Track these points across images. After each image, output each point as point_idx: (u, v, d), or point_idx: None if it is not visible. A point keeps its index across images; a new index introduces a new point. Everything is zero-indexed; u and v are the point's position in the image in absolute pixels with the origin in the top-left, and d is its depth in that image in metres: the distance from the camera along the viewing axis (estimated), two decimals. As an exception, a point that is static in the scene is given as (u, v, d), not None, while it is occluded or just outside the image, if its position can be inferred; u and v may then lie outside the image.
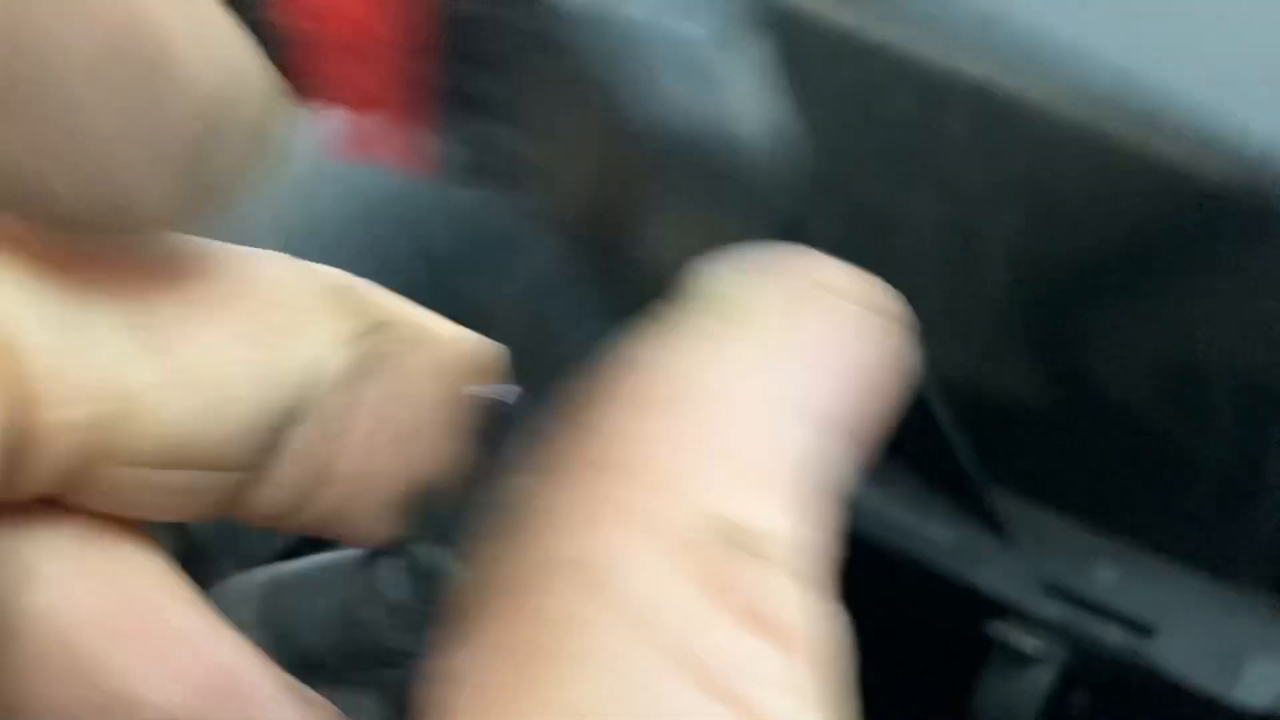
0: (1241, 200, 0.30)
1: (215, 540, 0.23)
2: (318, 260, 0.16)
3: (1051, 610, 0.38)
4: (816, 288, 0.14)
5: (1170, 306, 0.29)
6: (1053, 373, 0.38)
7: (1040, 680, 0.37)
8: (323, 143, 0.14)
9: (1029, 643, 0.37)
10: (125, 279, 0.15)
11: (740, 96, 0.13)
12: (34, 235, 0.14)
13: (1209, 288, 0.31)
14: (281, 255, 0.16)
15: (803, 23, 0.32)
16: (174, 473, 0.15)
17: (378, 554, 0.16)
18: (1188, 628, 0.38)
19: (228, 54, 0.13)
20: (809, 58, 0.32)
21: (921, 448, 0.38)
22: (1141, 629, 0.38)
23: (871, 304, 0.14)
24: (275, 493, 0.16)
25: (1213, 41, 0.33)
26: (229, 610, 0.16)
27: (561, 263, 0.14)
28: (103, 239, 0.14)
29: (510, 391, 0.15)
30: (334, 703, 0.16)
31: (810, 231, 0.14)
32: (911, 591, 0.39)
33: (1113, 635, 0.38)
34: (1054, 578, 0.38)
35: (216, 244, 0.15)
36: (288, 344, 0.15)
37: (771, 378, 0.14)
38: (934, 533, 0.39)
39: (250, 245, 0.16)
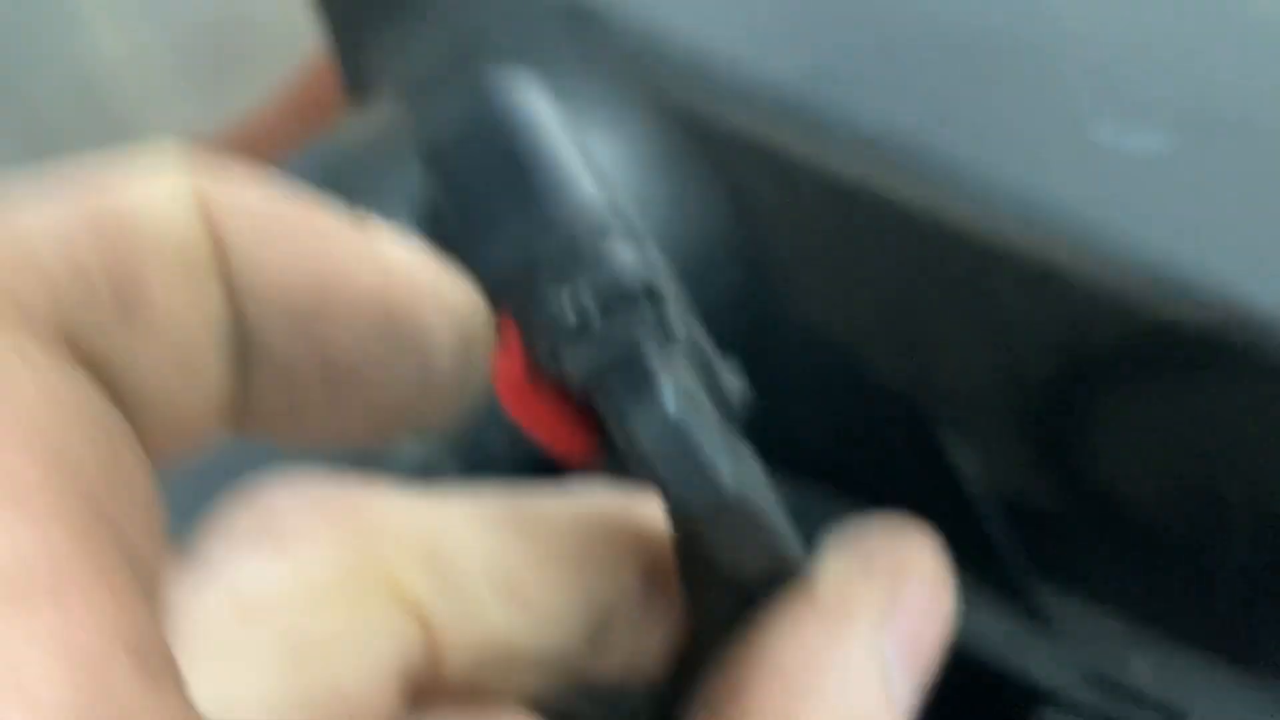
0: (1216, 342, 0.34)
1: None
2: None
3: (1092, 697, 0.41)
4: (904, 573, 0.21)
5: (1185, 426, 0.32)
6: (1091, 478, 0.41)
7: (1082, 761, 0.40)
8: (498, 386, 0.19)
9: (1072, 727, 0.40)
10: (493, 544, 0.20)
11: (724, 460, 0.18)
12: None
13: (1210, 414, 0.35)
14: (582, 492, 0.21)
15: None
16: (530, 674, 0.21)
17: None
18: (1217, 715, 0.41)
19: (461, 304, 0.18)
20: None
21: (969, 544, 0.41)
22: (1175, 715, 0.41)
23: (939, 570, 0.21)
24: (606, 667, 0.21)
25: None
26: None
27: None
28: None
29: None
30: None
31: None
32: (961, 680, 0.42)
33: (1148, 720, 0.41)
34: (1094, 667, 0.41)
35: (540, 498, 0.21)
36: (602, 577, 0.21)
37: (877, 660, 0.20)
38: (982, 624, 0.42)
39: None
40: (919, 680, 0.21)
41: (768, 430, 0.22)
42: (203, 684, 0.15)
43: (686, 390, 0.18)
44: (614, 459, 0.19)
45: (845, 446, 0.42)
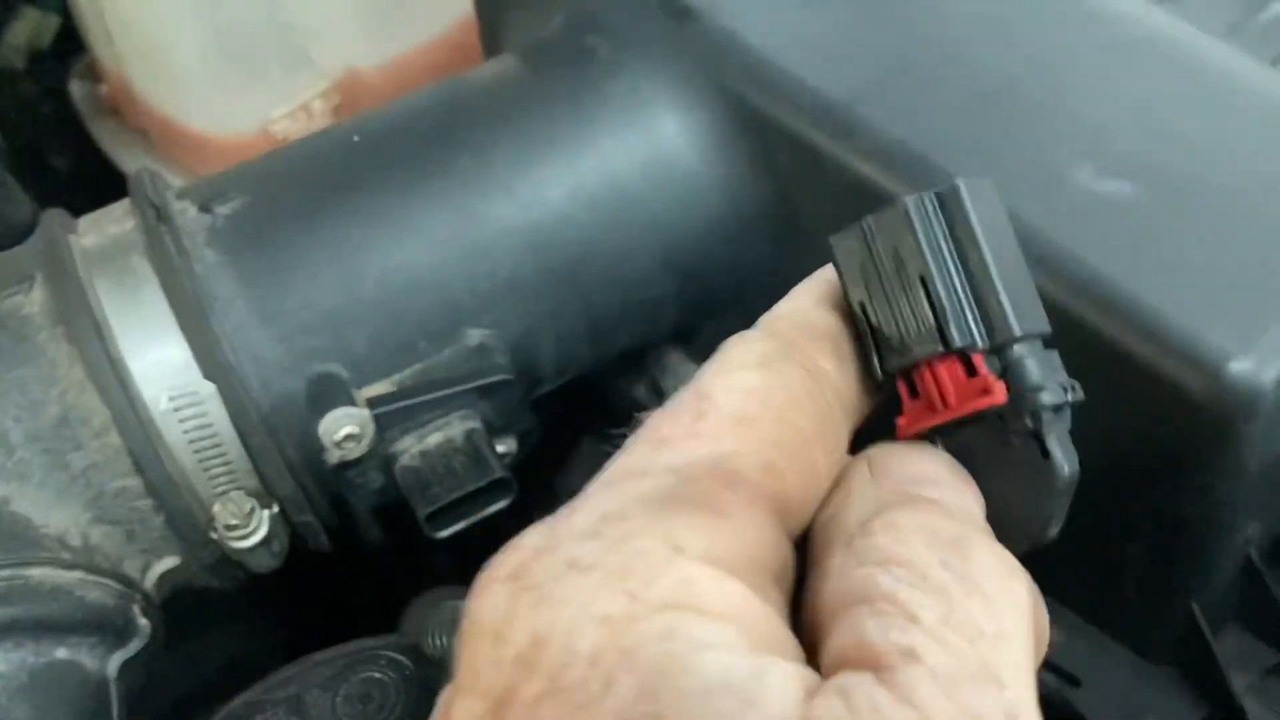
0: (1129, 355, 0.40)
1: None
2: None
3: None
4: None
5: (1097, 433, 0.39)
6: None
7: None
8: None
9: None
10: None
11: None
12: None
13: (1119, 425, 0.42)
14: None
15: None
16: None
17: None
18: (1107, 684, 0.48)
19: None
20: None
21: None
22: (1072, 680, 0.47)
23: None
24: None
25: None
26: None
27: None
28: None
29: None
30: None
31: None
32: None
33: (1048, 682, 0.48)
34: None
35: None
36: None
37: None
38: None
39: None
40: None
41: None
42: None
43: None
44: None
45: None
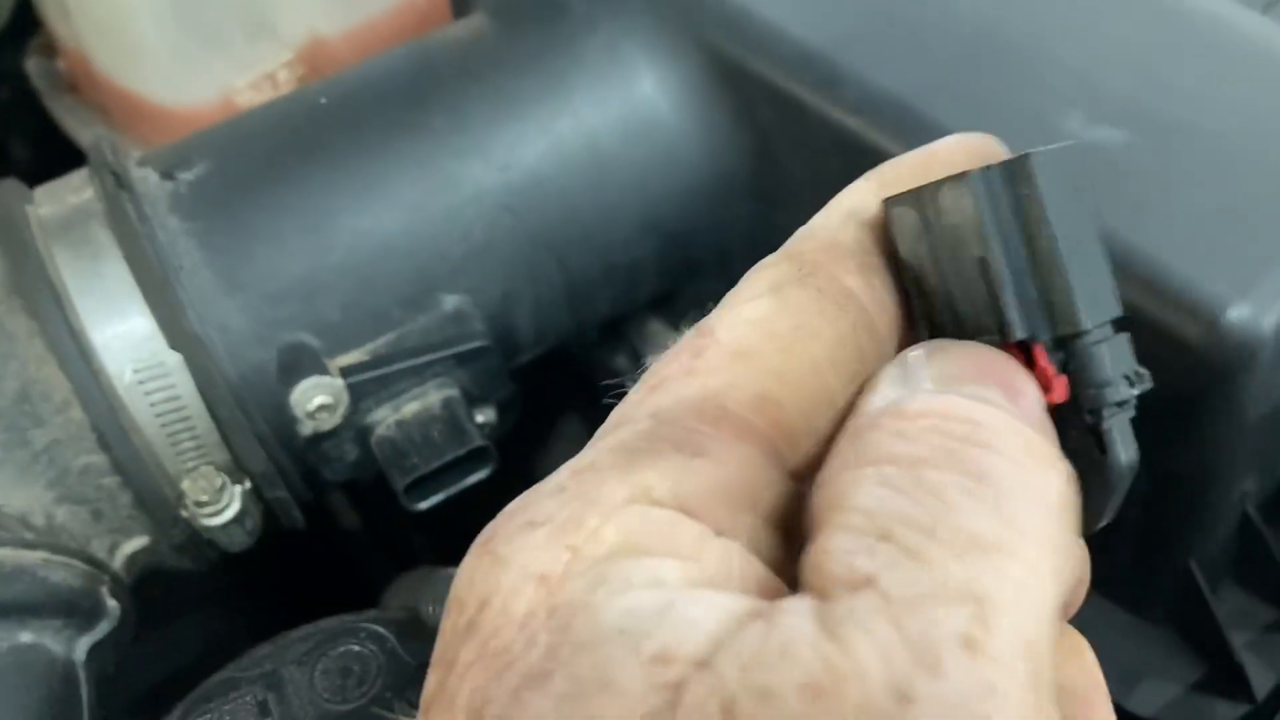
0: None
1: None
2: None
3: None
4: None
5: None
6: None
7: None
8: None
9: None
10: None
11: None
12: None
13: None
14: None
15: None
16: None
17: None
18: (1103, 645, 0.47)
19: None
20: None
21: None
22: (1067, 641, 0.47)
23: None
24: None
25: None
26: None
27: None
28: None
29: None
30: None
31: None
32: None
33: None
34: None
35: None
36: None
37: None
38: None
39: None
40: None
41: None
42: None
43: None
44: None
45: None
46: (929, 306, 0.28)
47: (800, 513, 0.24)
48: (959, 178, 0.26)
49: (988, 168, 0.26)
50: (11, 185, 0.47)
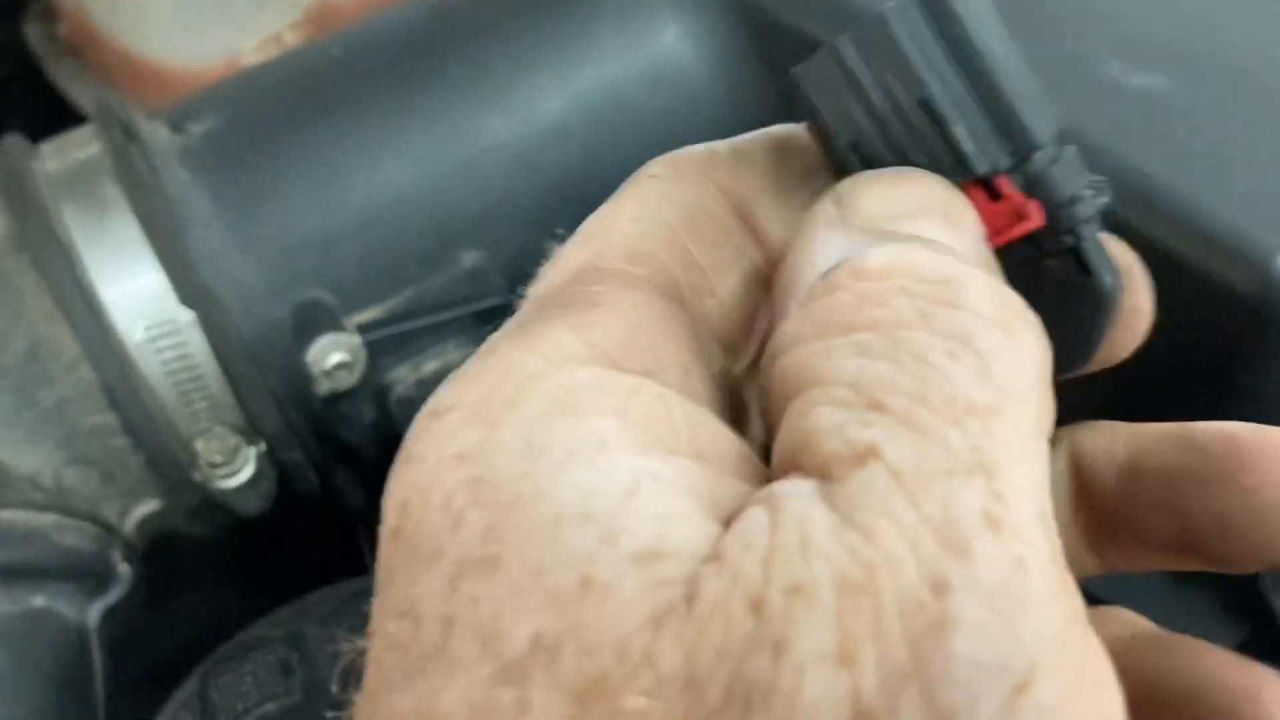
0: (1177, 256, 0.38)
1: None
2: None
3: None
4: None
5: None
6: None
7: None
8: None
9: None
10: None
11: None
12: None
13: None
14: None
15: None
16: None
17: None
18: (1141, 606, 0.45)
19: None
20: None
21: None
22: (1096, 600, 0.45)
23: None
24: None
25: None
26: None
27: None
28: None
29: None
30: None
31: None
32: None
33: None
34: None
35: None
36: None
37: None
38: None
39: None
40: None
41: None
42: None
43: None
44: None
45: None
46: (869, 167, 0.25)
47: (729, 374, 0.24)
48: (872, 19, 0.24)
49: (898, 4, 0.24)
50: (16, 141, 0.46)
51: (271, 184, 0.45)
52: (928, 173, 0.24)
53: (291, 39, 0.68)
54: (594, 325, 0.22)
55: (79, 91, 0.75)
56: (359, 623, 0.38)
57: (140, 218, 0.43)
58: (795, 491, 0.20)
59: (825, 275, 0.22)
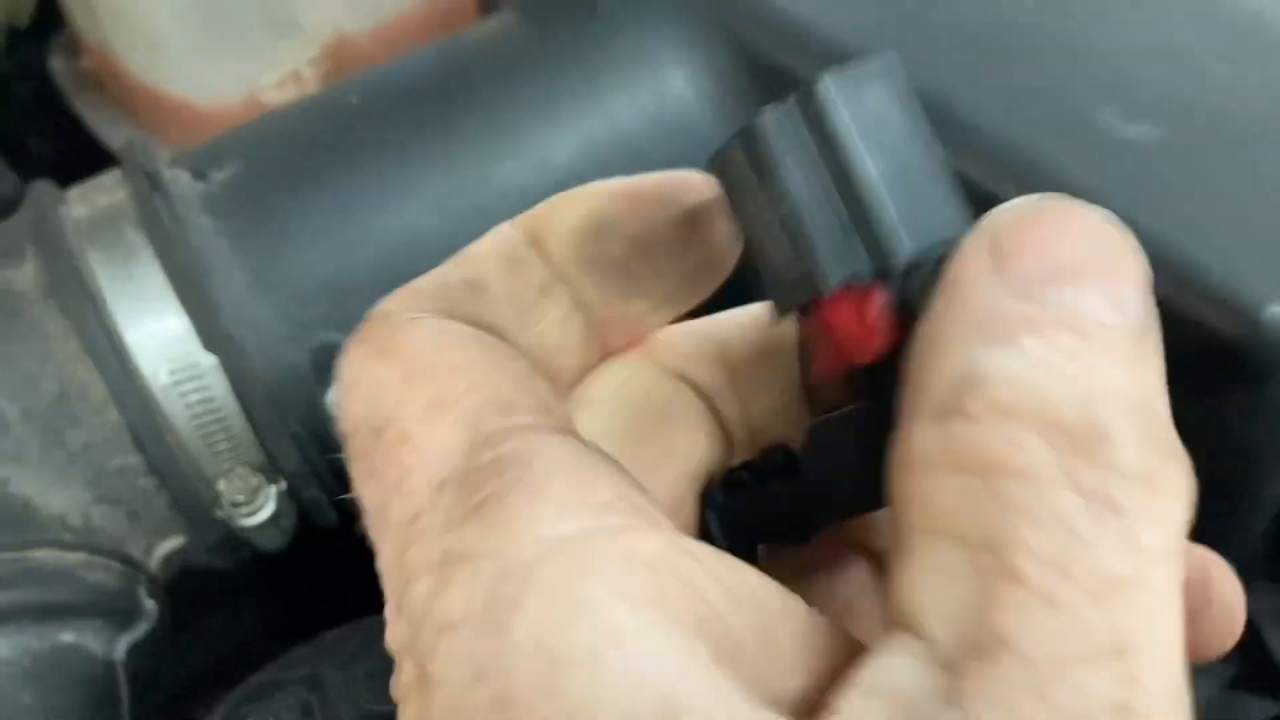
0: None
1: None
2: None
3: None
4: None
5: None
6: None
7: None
8: None
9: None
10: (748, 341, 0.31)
11: None
12: None
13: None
14: None
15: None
16: None
17: None
18: None
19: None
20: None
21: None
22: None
23: None
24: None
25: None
26: None
27: None
28: None
29: None
30: None
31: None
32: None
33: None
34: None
35: None
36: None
37: None
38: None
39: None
40: None
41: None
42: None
43: None
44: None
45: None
46: (767, 274, 0.24)
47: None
48: (754, 117, 0.23)
49: (784, 101, 0.23)
50: (45, 188, 0.48)
51: (290, 231, 0.46)
52: (1090, 208, 0.22)
53: (310, 74, 0.69)
54: (545, 481, 0.21)
55: (100, 124, 0.76)
56: (375, 666, 0.39)
57: (164, 265, 0.44)
58: (905, 670, 0.19)
59: (957, 389, 0.20)
